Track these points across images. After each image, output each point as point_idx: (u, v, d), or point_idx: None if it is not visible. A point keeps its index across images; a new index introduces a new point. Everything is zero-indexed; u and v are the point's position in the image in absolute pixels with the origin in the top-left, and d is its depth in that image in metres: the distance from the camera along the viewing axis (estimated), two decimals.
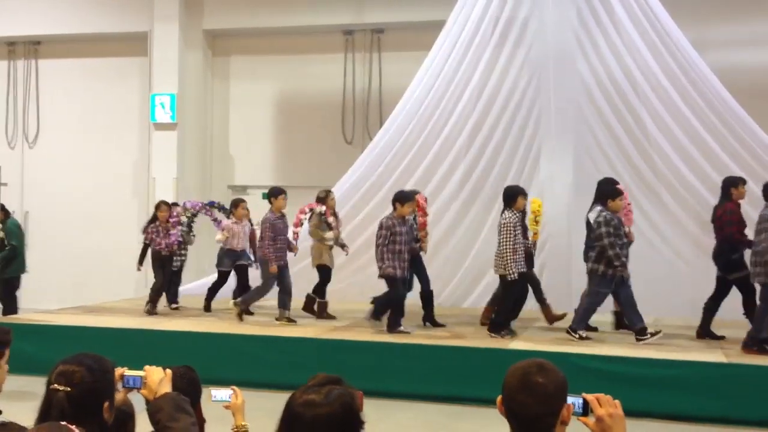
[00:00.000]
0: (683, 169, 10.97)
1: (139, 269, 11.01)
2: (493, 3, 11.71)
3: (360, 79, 14.50)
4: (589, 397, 2.37)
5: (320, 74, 14.58)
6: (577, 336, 8.51)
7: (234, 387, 3.27)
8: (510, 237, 8.54)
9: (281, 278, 9.81)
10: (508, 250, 8.54)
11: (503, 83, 11.85)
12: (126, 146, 15.36)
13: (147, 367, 2.86)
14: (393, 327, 9.05)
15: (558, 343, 8.45)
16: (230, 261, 10.67)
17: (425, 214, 9.79)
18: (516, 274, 8.55)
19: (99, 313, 10.74)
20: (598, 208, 8.69)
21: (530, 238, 9.29)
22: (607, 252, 8.31)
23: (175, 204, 11.26)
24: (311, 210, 10.33)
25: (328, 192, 10.57)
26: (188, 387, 3.18)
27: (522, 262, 8.72)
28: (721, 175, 10.35)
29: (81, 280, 14.94)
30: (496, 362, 7.23)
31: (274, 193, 10.04)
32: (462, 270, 11.83)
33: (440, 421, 7.58)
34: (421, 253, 9.72)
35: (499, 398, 2.34)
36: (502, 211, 8.87)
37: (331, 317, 10.26)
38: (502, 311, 9.04)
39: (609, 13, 11.33)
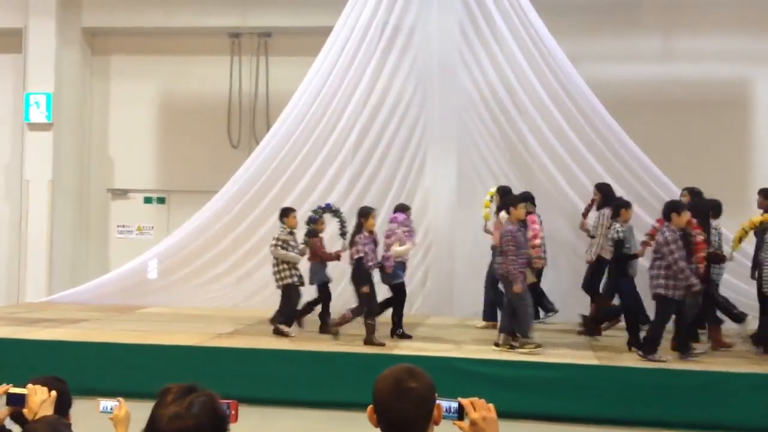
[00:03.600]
0: (558, 177, 11.39)
1: (366, 290, 8.77)
2: (380, 10, 11.83)
3: (247, 83, 14.32)
4: (464, 401, 2.44)
5: (206, 76, 14.32)
6: None
7: (120, 399, 3.21)
8: None
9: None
10: None
11: (390, 90, 12.00)
12: None
13: (30, 386, 2.76)
14: (686, 352, 8.25)
15: (437, 348, 8.60)
16: (403, 273, 9.57)
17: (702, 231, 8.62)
18: None
19: None
20: None
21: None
22: None
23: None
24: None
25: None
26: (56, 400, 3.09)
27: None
28: (591, 180, 10.87)
29: None
30: (377, 367, 7.28)
31: (513, 202, 8.72)
32: (348, 276, 11.83)
33: (322, 427, 7.59)
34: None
35: (370, 407, 2.38)
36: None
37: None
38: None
39: (490, 24, 11.66)
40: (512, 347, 8.37)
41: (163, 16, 13.98)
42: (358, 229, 8.83)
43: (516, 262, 8.24)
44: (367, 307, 8.72)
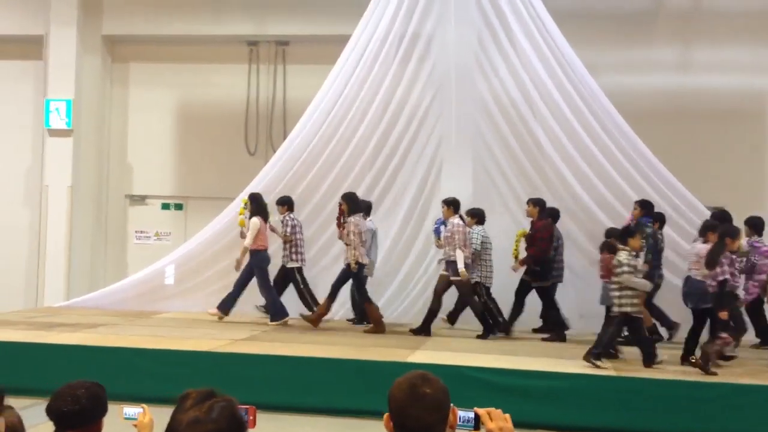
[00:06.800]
0: (575, 184, 11.36)
1: (724, 316, 8.07)
2: (398, 19, 11.87)
3: (264, 91, 14.41)
4: (481, 411, 2.45)
5: (223, 84, 14.43)
6: None
7: (143, 405, 3.25)
8: None
9: None
10: None
11: (407, 99, 12.02)
12: (18, 152, 14.77)
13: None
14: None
15: (452, 357, 8.53)
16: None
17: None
18: None
19: None
20: None
21: None
22: None
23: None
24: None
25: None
26: (93, 403, 3.17)
27: None
28: (610, 191, 10.85)
29: None
30: (392, 375, 7.27)
31: None
32: None
33: None
34: None
35: (386, 415, 2.39)
36: None
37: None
38: None
39: (508, 33, 11.67)
40: None
41: (182, 24, 14.11)
42: (721, 248, 7.99)
43: None
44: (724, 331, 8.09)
